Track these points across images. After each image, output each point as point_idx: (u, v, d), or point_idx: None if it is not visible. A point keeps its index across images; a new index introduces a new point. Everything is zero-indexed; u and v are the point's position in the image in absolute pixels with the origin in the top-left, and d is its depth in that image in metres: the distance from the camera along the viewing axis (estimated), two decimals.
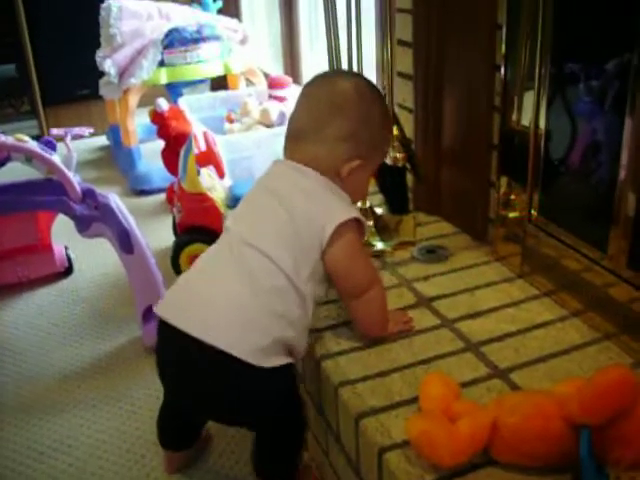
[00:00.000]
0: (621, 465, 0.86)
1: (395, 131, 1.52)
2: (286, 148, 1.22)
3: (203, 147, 2.13)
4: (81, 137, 2.16)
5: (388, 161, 1.51)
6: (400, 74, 1.69)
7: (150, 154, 2.99)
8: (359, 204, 1.51)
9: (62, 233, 2.19)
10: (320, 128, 1.17)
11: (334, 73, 1.40)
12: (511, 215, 1.43)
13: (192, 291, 1.15)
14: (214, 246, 1.20)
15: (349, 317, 1.27)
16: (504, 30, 1.34)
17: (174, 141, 2.48)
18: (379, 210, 1.60)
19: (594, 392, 0.86)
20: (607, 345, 1.18)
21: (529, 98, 1.31)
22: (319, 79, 1.25)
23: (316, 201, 1.15)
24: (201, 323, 1.08)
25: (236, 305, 1.09)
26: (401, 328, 1.25)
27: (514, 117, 1.38)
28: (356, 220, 1.16)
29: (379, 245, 1.54)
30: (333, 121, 1.16)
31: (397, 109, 1.65)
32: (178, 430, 1.36)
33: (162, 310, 1.15)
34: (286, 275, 1.10)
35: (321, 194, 1.16)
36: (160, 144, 2.62)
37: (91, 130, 2.19)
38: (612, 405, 0.85)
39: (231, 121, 2.70)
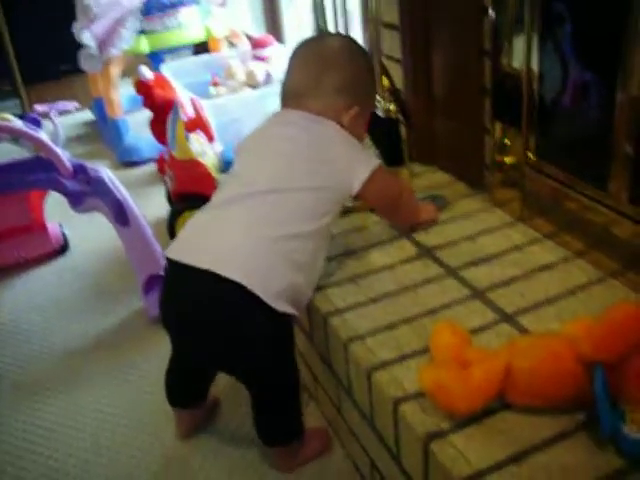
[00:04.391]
0: (636, 401, 0.85)
1: (385, 82, 1.50)
2: (285, 106, 1.29)
3: (191, 113, 2.10)
4: (67, 112, 2.12)
5: (380, 113, 1.49)
6: (386, 25, 1.66)
7: (137, 124, 2.95)
8: None
9: (56, 210, 2.17)
10: (317, 83, 1.25)
11: (320, 35, 1.44)
12: (507, 160, 1.41)
13: (207, 233, 1.17)
14: (224, 191, 1.22)
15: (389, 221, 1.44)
16: None
17: (161, 110, 2.45)
18: None
19: (605, 329, 0.86)
20: (613, 283, 1.18)
21: (519, 40, 1.29)
22: (307, 42, 1.33)
23: (337, 144, 1.22)
24: (219, 260, 1.10)
25: (255, 247, 1.11)
26: (430, 217, 1.43)
27: (505, 60, 1.36)
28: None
29: None
30: (328, 75, 1.25)
31: (385, 60, 1.63)
32: (186, 384, 1.38)
33: (174, 252, 1.17)
34: (308, 219, 1.15)
35: (339, 137, 1.23)
36: (147, 114, 2.59)
37: (76, 104, 2.16)
38: (624, 341, 0.85)
39: (216, 85, 2.66)
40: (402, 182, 1.39)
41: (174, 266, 1.16)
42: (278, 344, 1.18)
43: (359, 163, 1.22)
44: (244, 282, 1.07)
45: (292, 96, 1.28)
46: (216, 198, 1.22)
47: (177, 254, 1.16)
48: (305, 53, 1.30)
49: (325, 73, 1.24)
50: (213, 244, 1.14)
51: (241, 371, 1.23)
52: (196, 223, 1.21)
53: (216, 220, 1.18)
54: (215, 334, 1.14)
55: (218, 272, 1.08)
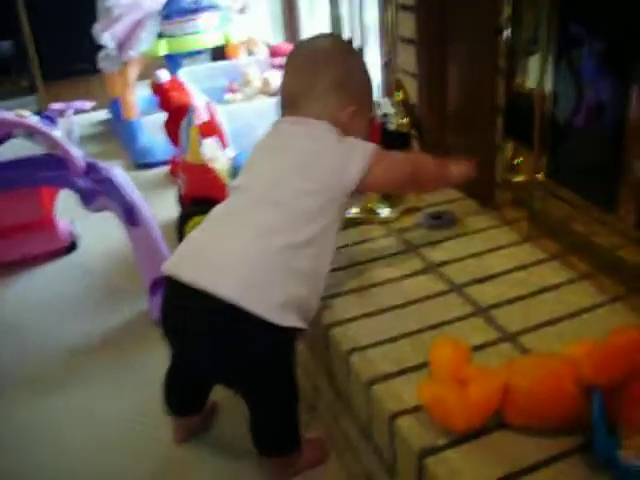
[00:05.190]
0: (633, 427, 0.85)
1: (400, 96, 1.50)
2: (284, 113, 1.29)
3: (205, 118, 2.11)
4: (83, 111, 2.13)
5: (393, 126, 1.50)
6: (403, 39, 1.67)
7: (152, 126, 2.96)
8: None
9: (70, 208, 2.18)
10: (311, 86, 1.25)
11: (309, 39, 1.42)
12: (518, 179, 1.42)
13: (205, 248, 1.16)
14: (224, 205, 1.22)
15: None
16: None
17: (176, 112, 2.46)
18: None
19: (605, 353, 0.86)
20: (617, 307, 1.17)
21: (534, 60, 1.30)
22: (297, 47, 1.36)
23: (333, 147, 1.21)
24: (215, 278, 1.08)
25: (253, 261, 1.10)
26: (462, 172, 1.36)
27: (519, 79, 1.36)
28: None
29: (385, 212, 1.53)
30: (321, 76, 1.25)
31: (400, 74, 1.64)
32: (184, 393, 1.36)
33: (172, 268, 1.15)
34: (306, 225, 1.13)
35: (335, 139, 1.22)
36: (162, 116, 2.60)
37: (93, 104, 2.17)
38: (624, 365, 0.85)
39: (233, 91, 2.67)
40: (411, 156, 1.37)
41: (172, 282, 1.14)
42: (278, 359, 1.15)
43: (352, 155, 1.20)
44: (240, 300, 1.06)
45: (288, 102, 1.28)
46: (215, 211, 1.22)
47: (175, 269, 1.14)
48: (296, 58, 1.32)
49: (317, 75, 1.25)
50: (209, 260, 1.12)
51: (239, 386, 1.22)
52: (194, 238, 1.20)
53: (212, 234, 1.18)
54: (213, 352, 1.12)
55: (213, 291, 1.07)
